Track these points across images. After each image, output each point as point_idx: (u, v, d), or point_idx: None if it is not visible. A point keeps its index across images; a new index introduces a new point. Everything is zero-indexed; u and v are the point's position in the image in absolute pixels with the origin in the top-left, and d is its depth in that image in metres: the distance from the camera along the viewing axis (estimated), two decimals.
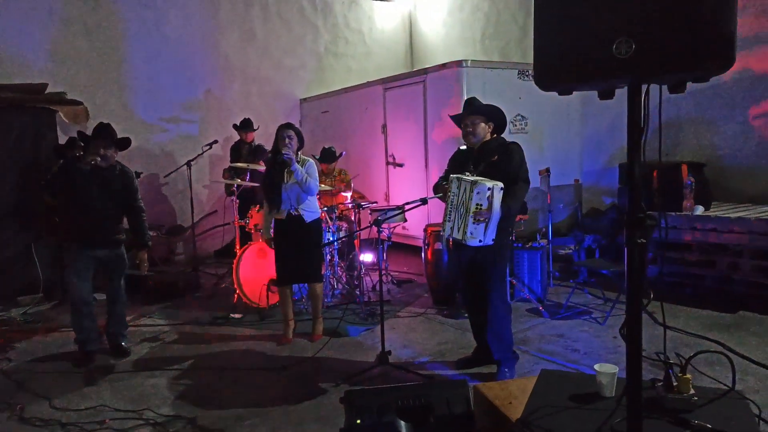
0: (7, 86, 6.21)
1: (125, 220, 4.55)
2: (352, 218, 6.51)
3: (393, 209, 6.01)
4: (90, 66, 7.73)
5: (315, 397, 3.61)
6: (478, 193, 3.36)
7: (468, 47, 9.50)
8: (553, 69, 1.76)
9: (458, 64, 6.28)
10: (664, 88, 1.70)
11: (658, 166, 5.20)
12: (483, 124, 3.70)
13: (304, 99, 9.53)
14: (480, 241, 3.42)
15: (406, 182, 7.30)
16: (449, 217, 3.56)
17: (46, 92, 6.44)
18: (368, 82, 8.05)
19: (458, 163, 3.82)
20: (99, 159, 4.17)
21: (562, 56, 1.73)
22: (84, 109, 6.81)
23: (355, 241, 5.94)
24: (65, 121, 6.60)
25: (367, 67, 10.20)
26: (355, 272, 6.00)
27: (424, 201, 3.75)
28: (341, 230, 5.93)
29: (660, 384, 2.19)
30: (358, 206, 5.71)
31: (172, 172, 7.46)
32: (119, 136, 4.41)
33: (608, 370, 2.36)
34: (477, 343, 3.96)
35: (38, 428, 3.34)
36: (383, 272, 6.19)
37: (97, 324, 4.49)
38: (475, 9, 9.43)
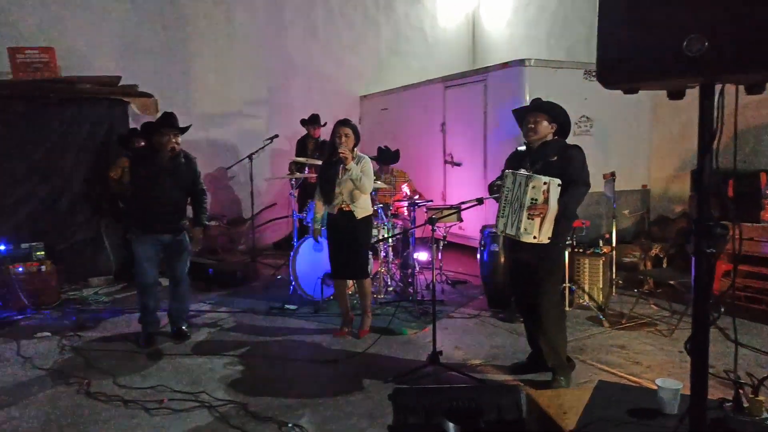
0: (84, 78, 6.57)
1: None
2: (407, 216, 6.50)
3: (447, 208, 5.97)
4: (161, 60, 8.06)
5: (364, 392, 3.62)
6: (533, 187, 3.27)
7: (533, 47, 9.27)
8: (617, 66, 1.67)
9: (521, 62, 6.15)
10: (741, 88, 1.59)
11: (735, 173, 4.90)
12: (546, 123, 3.60)
13: (364, 96, 9.59)
14: (534, 237, 3.32)
15: (463, 182, 7.22)
16: (503, 213, 3.48)
17: (119, 84, 6.77)
18: (429, 80, 8.01)
19: (515, 162, 3.73)
20: (180, 151, 4.35)
21: (627, 52, 1.63)
22: (154, 101, 7.11)
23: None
24: (136, 112, 6.92)
25: (427, 66, 10.13)
26: (409, 270, 5.99)
27: (480, 201, 3.69)
28: (395, 228, 5.94)
29: (728, 404, 2.06)
30: (412, 204, 5.68)
31: (233, 165, 7.68)
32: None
33: (671, 386, 2.24)
34: (532, 348, 3.86)
35: (103, 403, 3.52)
36: (437, 272, 6.17)
37: (160, 307, 4.69)
38: (542, 8, 9.19)
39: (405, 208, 6.37)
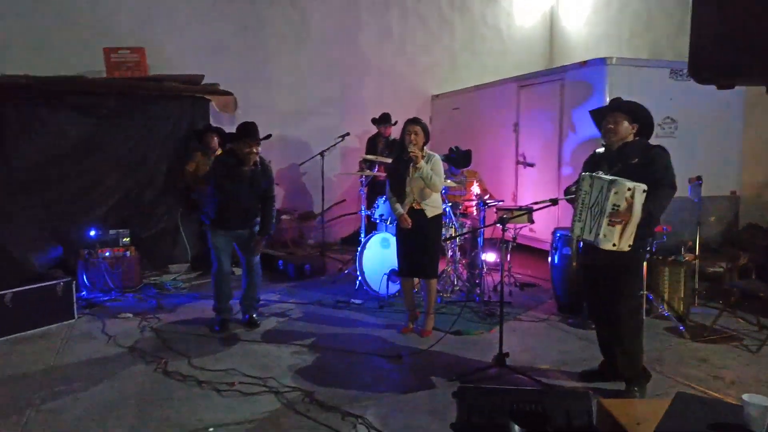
0: (170, 77, 6.93)
1: None
2: (475, 216, 6.42)
3: (519, 209, 5.84)
4: (240, 60, 8.36)
5: (428, 389, 3.60)
6: (615, 192, 3.12)
7: (613, 46, 8.90)
8: (711, 59, 1.55)
9: (602, 61, 5.91)
10: None
11: None
12: (627, 124, 3.45)
13: (436, 95, 9.55)
14: (614, 245, 3.18)
15: (535, 183, 7.03)
16: (579, 217, 3.35)
17: (201, 83, 7.09)
18: (502, 79, 7.86)
19: (593, 165, 3.59)
20: (258, 158, 4.51)
21: (722, 44, 1.51)
22: (233, 100, 7.39)
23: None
24: (216, 110, 7.22)
25: (503, 65, 9.96)
26: (477, 270, 5.91)
27: (554, 201, 3.57)
28: (464, 227, 5.87)
29: None
30: (483, 204, 5.60)
31: (306, 161, 7.85)
32: (262, 126, 4.69)
33: (760, 402, 2.08)
34: (604, 357, 3.70)
35: (179, 382, 3.70)
36: (506, 273, 6.05)
37: (233, 296, 4.88)
38: (624, 6, 8.81)
39: (474, 208, 6.31)
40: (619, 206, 3.13)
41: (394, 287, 5.51)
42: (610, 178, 3.19)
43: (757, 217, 6.67)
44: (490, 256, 5.99)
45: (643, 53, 8.28)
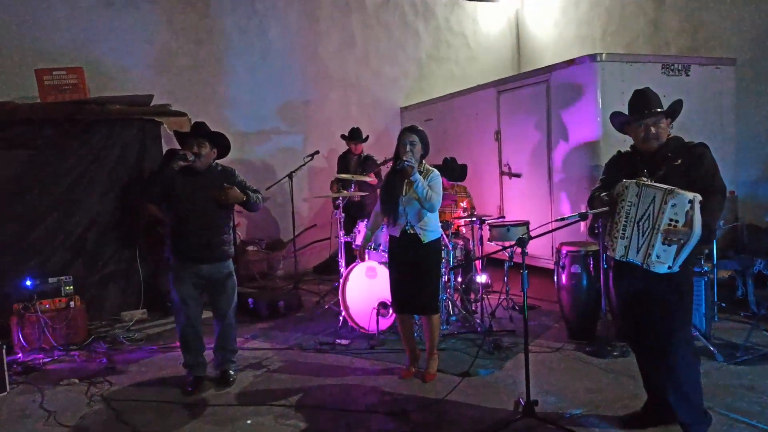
0: (115, 98, 6.15)
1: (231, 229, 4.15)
2: (466, 235, 5.87)
3: (518, 224, 5.31)
4: (193, 77, 7.69)
5: None
6: (673, 205, 2.59)
7: (585, 47, 8.58)
8: None
9: (591, 58, 5.48)
10: None
11: None
12: (665, 123, 2.96)
13: (405, 107, 9.03)
14: (669, 267, 2.65)
15: (524, 194, 6.54)
16: (623, 233, 2.80)
17: (151, 104, 6.34)
18: (479, 85, 7.39)
19: (622, 168, 3.07)
20: (193, 157, 3.79)
21: None
22: (188, 120, 6.62)
23: (477, 262, 5.27)
24: (169, 133, 6.47)
25: (470, 72, 9.54)
26: (473, 295, 5.34)
27: (582, 216, 3.01)
28: (457, 248, 5.30)
29: None
30: (480, 221, 5.04)
31: (273, 185, 7.16)
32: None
33: None
34: (648, 395, 3.15)
35: None
36: (503, 296, 5.49)
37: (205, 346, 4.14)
38: (595, 4, 8.53)
39: (463, 226, 5.77)
40: (677, 221, 2.60)
41: (385, 322, 4.85)
42: (666, 187, 2.66)
43: (755, 217, 6.35)
44: (480, 278, 5.43)
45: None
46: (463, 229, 5.87)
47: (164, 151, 6.20)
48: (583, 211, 3.03)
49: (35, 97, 6.09)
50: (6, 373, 4.17)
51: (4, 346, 4.21)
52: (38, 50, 6.75)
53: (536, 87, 6.19)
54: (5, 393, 4.11)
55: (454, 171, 5.52)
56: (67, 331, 5.11)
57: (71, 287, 5.31)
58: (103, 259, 5.94)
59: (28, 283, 5.16)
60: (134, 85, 6.89)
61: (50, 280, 5.27)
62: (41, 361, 4.76)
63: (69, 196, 5.80)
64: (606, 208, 2.92)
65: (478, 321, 4.99)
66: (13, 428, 3.59)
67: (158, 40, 7.52)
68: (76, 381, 4.28)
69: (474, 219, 5.14)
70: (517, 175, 6.59)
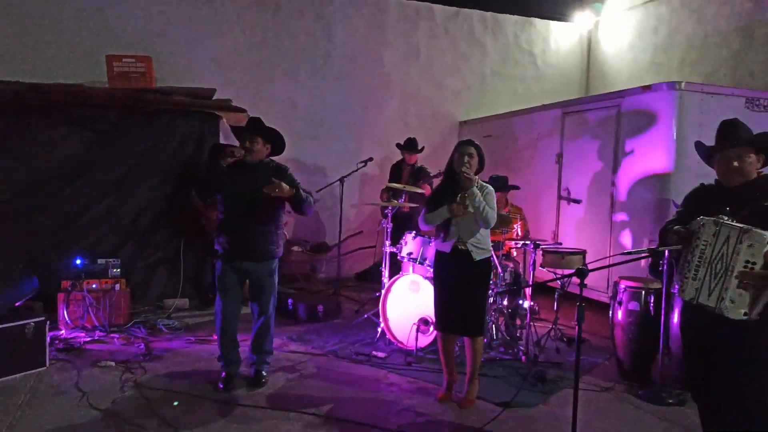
0: (179, 89, 6.25)
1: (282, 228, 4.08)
2: (517, 258, 5.64)
3: (574, 252, 5.05)
4: (256, 75, 7.75)
5: None
6: (750, 245, 2.33)
7: (661, 75, 8.19)
8: None
9: (670, 85, 5.17)
10: None
11: None
12: (753, 157, 2.68)
13: (464, 121, 8.85)
14: (745, 313, 2.38)
15: (582, 222, 6.23)
16: (695, 274, 2.53)
17: (213, 98, 6.41)
18: (544, 105, 7.13)
19: (701, 202, 2.80)
20: (243, 152, 3.75)
21: None
22: (247, 117, 6.64)
23: (527, 288, 5.02)
24: (227, 128, 6.52)
25: (534, 91, 9.27)
26: (518, 321, 5.09)
27: (653, 253, 2.76)
28: (507, 271, 5.07)
29: None
30: (535, 245, 4.80)
31: (324, 188, 7.10)
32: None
33: None
34: None
35: None
36: (551, 326, 5.22)
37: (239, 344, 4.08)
38: (675, 31, 8.13)
39: (515, 249, 5.54)
40: (754, 263, 2.33)
41: (425, 339, 4.67)
42: (742, 226, 2.40)
43: None
44: (528, 304, 5.17)
45: None
46: (514, 252, 5.64)
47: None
48: (648, 246, 2.78)
49: (104, 82, 6.26)
50: (47, 349, 4.23)
51: (48, 322, 4.27)
52: (111, 37, 6.96)
53: (606, 111, 5.90)
54: (45, 368, 4.16)
55: (496, 182, 5.32)
56: (109, 313, 5.17)
57: (118, 270, 5.39)
58: (151, 245, 6.02)
59: (78, 262, 5.26)
60: (198, 78, 6.99)
61: (99, 261, 5.37)
62: (82, 340, 4.82)
63: (125, 181, 5.92)
64: (679, 246, 2.66)
65: (522, 348, 4.74)
66: (47, 405, 3.61)
67: (227, 36, 7.64)
68: (113, 363, 4.30)
69: (528, 242, 4.89)
70: (577, 201, 6.29)
